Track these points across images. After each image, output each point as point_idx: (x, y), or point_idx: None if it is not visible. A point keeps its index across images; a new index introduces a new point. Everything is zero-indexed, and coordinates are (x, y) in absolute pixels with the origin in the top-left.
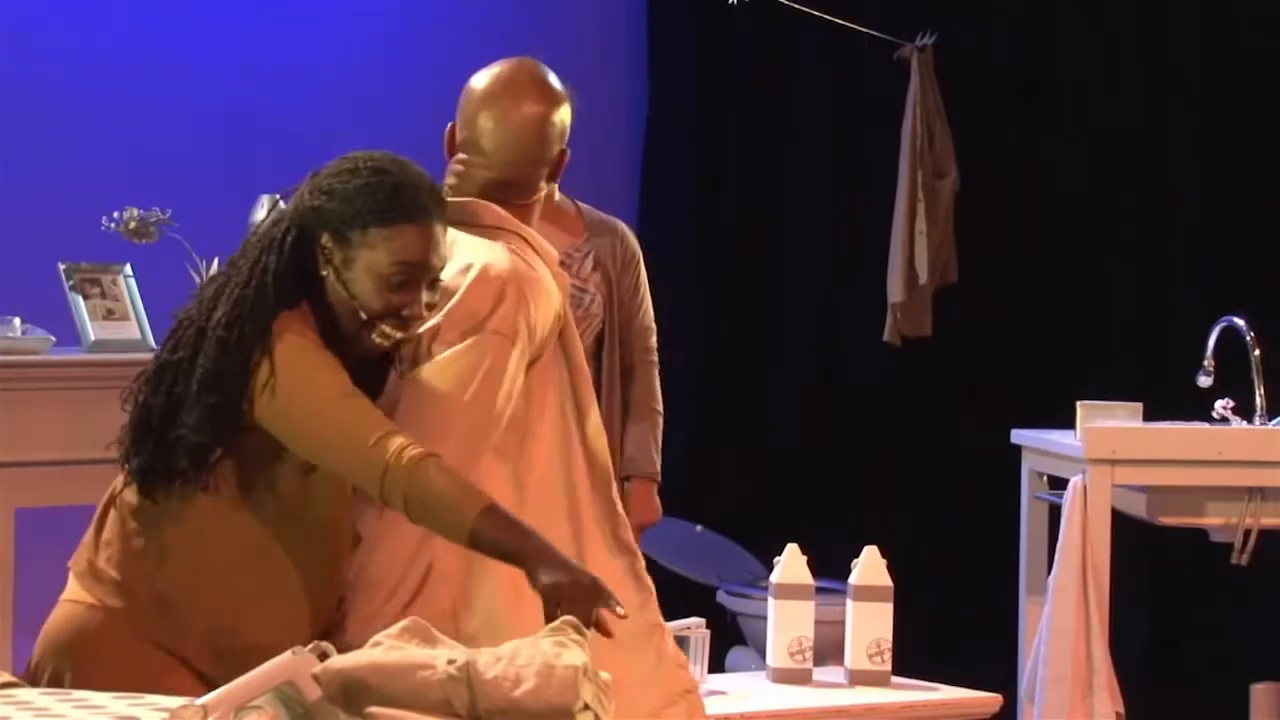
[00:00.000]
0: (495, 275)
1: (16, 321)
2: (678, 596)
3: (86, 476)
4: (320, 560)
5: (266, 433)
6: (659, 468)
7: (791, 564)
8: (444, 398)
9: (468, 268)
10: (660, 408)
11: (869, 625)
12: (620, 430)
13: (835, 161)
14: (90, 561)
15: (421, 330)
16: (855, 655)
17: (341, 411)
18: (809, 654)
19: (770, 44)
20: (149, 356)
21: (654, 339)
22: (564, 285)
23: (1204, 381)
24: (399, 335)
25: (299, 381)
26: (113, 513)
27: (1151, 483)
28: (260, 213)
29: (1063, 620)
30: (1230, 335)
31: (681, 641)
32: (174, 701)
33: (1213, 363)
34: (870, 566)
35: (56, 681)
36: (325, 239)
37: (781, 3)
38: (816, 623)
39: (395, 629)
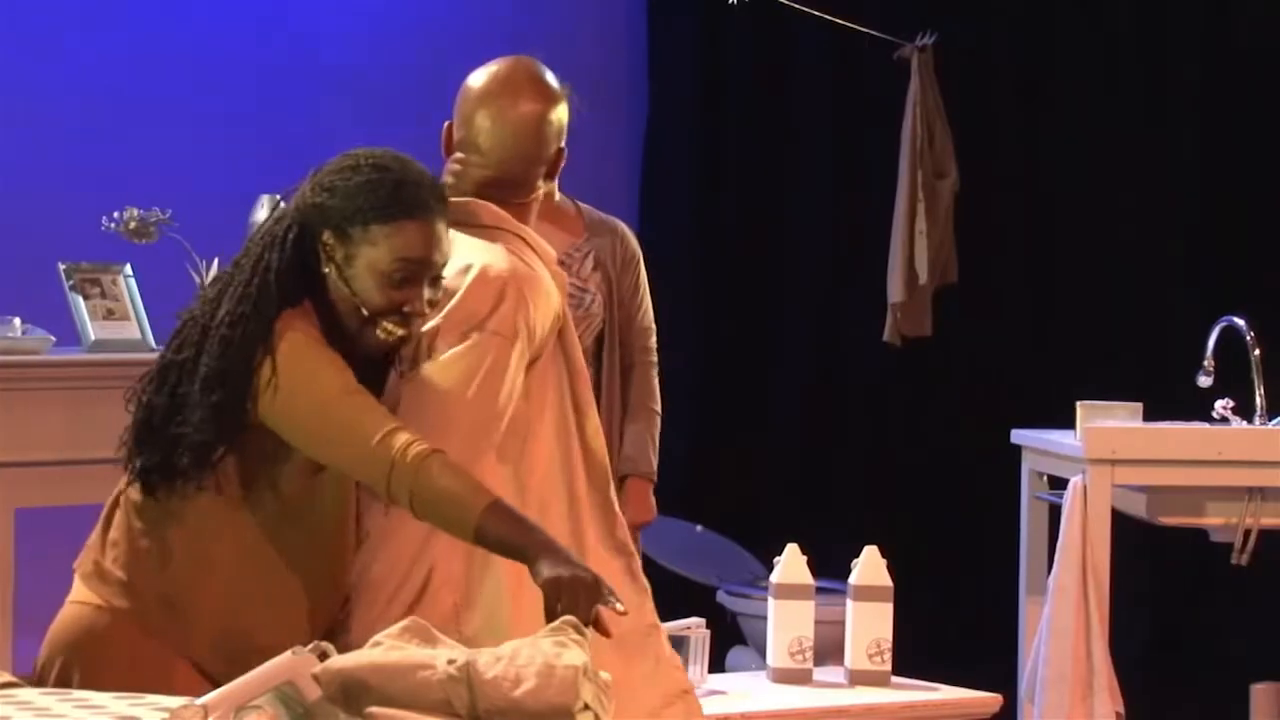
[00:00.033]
0: (495, 276)
1: (17, 321)
2: (678, 596)
3: (86, 476)
4: (324, 560)
5: (270, 431)
6: (655, 468)
7: (792, 564)
8: (445, 397)
9: (466, 268)
10: (658, 408)
11: (869, 625)
12: (619, 430)
13: (835, 161)
14: (96, 563)
15: (421, 331)
16: (855, 655)
17: (345, 409)
18: (809, 654)
19: (770, 44)
20: (149, 356)
21: (653, 339)
22: (562, 284)
23: (1204, 381)
24: (401, 332)
25: (302, 379)
26: (118, 514)
27: (1151, 483)
28: (261, 213)
29: (1063, 620)
30: (1230, 335)
31: (681, 641)
32: (175, 701)
33: (1213, 363)
34: (870, 566)
35: (64, 681)
36: (327, 236)
37: (781, 3)
38: (817, 623)
39: (395, 629)
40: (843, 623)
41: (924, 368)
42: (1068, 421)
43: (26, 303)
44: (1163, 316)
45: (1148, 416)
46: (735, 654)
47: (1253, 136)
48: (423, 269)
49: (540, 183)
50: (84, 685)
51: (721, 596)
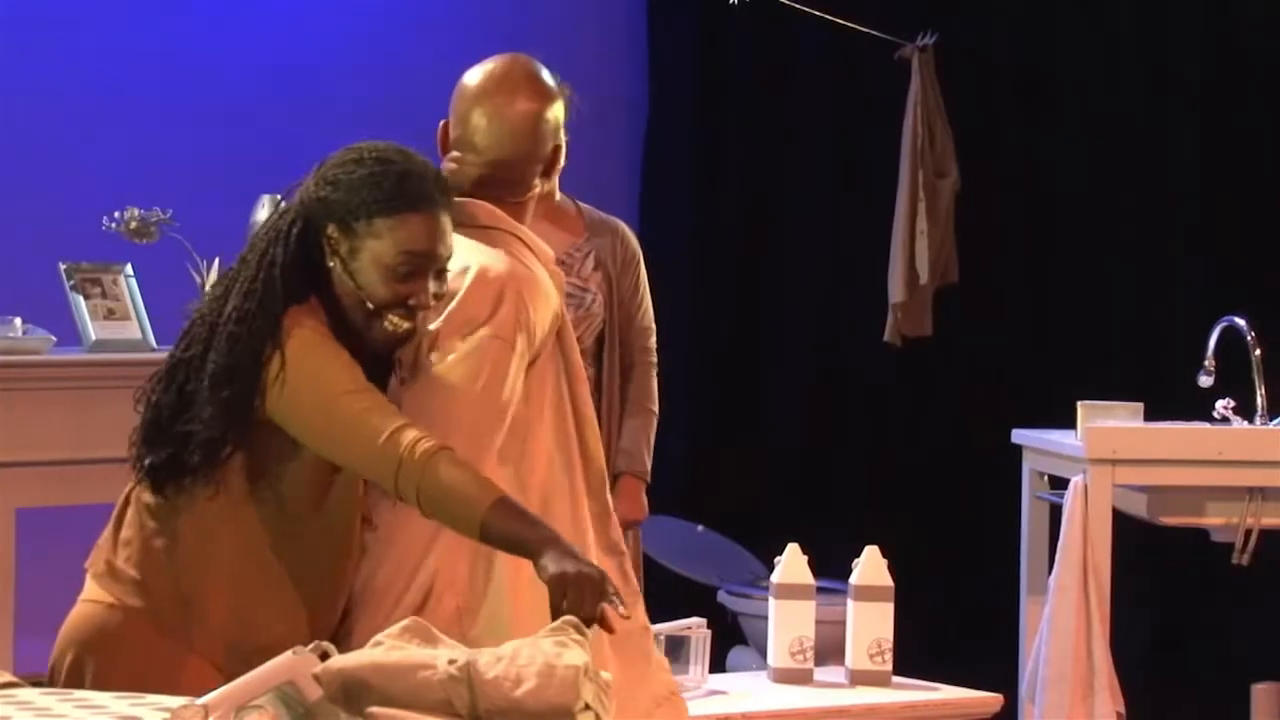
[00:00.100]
0: (493, 278)
1: (17, 321)
2: (678, 596)
3: (87, 476)
4: (333, 559)
5: (278, 429)
6: (649, 467)
7: (792, 564)
8: (447, 399)
9: (464, 270)
10: (655, 408)
11: (870, 625)
12: (618, 428)
13: (835, 161)
14: (109, 562)
15: (420, 335)
16: (856, 655)
17: (353, 405)
18: (810, 654)
19: (771, 44)
20: (150, 356)
21: (653, 339)
22: (560, 284)
23: (1205, 381)
24: (407, 325)
25: (310, 376)
26: (129, 513)
27: (1152, 483)
28: (261, 213)
29: (1063, 620)
30: (1231, 335)
31: (682, 641)
32: (176, 701)
33: (1213, 363)
34: (871, 566)
35: (77, 677)
36: (331, 230)
37: (782, 3)
38: (817, 622)
39: (396, 629)
40: (843, 623)
41: (924, 368)
42: (1068, 421)
43: (27, 303)
44: (1163, 316)
45: (1148, 416)
46: (736, 654)
47: (1253, 136)
48: (427, 262)
49: (537, 181)
50: (96, 682)
51: (722, 596)
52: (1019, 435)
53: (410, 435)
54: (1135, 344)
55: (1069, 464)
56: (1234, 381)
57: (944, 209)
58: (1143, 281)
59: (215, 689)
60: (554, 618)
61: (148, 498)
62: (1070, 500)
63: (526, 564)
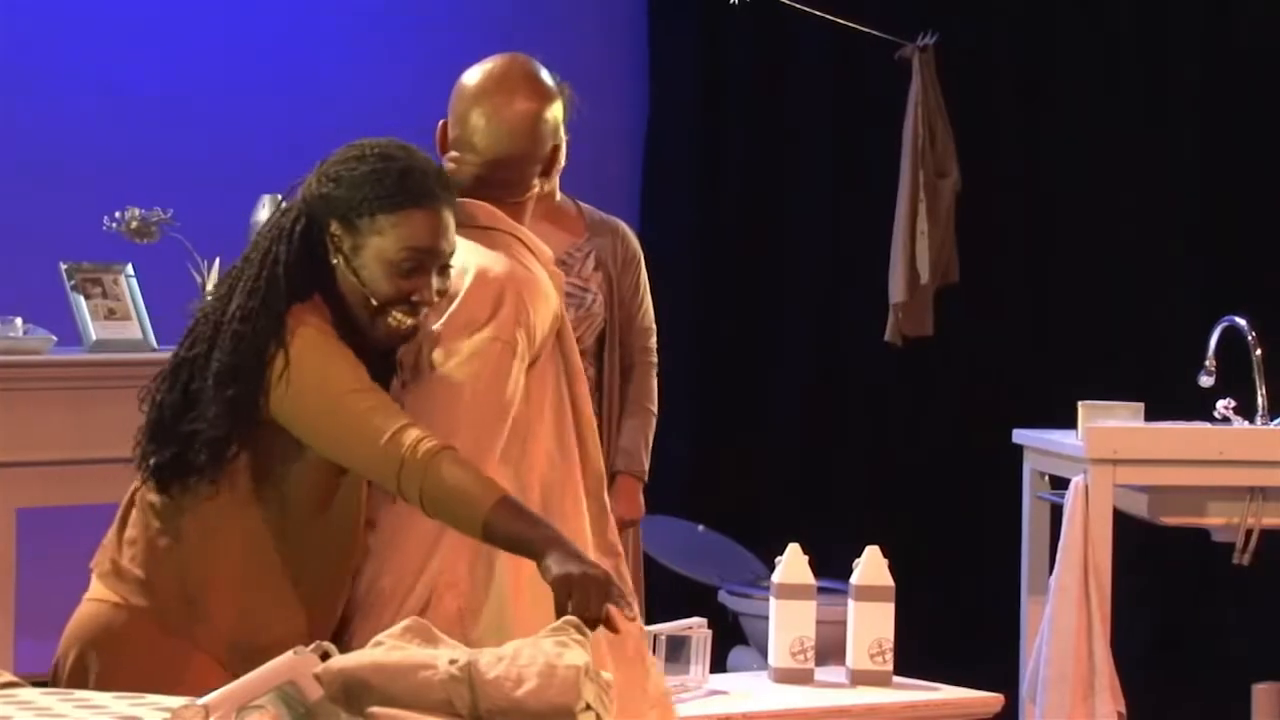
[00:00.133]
0: (493, 279)
1: (18, 321)
2: (679, 596)
3: (88, 476)
4: (337, 558)
5: (283, 429)
6: (647, 467)
7: (793, 564)
8: (449, 402)
9: (464, 272)
10: (655, 409)
11: (871, 625)
12: (617, 428)
13: (835, 161)
14: (114, 561)
15: (421, 337)
16: (857, 655)
17: (356, 406)
18: (810, 654)
19: (771, 44)
20: (150, 356)
21: (654, 339)
22: (559, 284)
23: (1206, 381)
24: (411, 322)
25: (313, 375)
26: (134, 512)
27: (1153, 482)
28: (262, 213)
29: (1064, 620)
30: (1231, 335)
31: (683, 642)
32: (177, 701)
33: (1214, 362)
34: (872, 566)
35: (81, 675)
36: (334, 226)
37: (782, 3)
38: (818, 622)
39: (397, 629)
40: (844, 623)
41: (925, 367)
42: (1069, 421)
43: (28, 303)
44: (1163, 316)
45: (1149, 416)
46: (737, 654)
47: (1253, 136)
48: (430, 258)
49: (536, 181)
50: (101, 681)
51: (723, 596)
52: (1020, 435)
53: (413, 435)
54: (1136, 344)
55: (1070, 464)
56: (1234, 381)
57: (945, 209)
58: (1143, 281)
59: (219, 688)
60: (558, 619)
61: (152, 497)
62: (1071, 500)
63: (527, 564)
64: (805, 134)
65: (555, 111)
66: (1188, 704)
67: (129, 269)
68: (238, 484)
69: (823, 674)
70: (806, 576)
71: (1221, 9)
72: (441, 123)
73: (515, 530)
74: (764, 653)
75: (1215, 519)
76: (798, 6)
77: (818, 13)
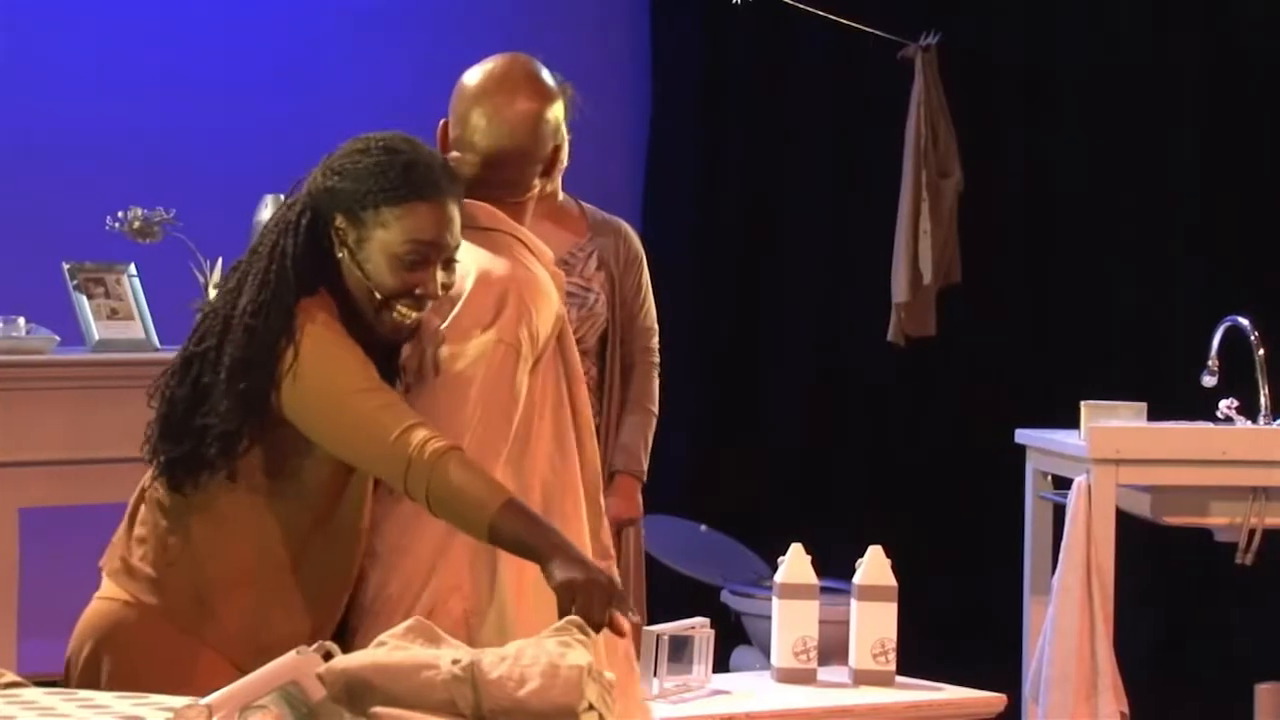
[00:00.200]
0: (496, 281)
1: (21, 321)
2: (682, 596)
3: (90, 476)
4: (346, 555)
5: (293, 425)
6: (645, 467)
7: (796, 563)
8: (453, 404)
9: (466, 274)
10: (655, 409)
11: (873, 625)
12: (617, 428)
13: (837, 161)
14: (124, 559)
15: (425, 340)
16: (860, 655)
17: (364, 404)
18: (813, 654)
19: (773, 44)
20: (153, 356)
21: (655, 339)
22: (560, 285)
23: (1208, 381)
24: (415, 315)
25: (321, 372)
26: (143, 510)
27: (1156, 482)
28: (265, 213)
29: (1067, 620)
30: (1234, 335)
31: (685, 641)
32: (179, 701)
33: (1217, 362)
34: (875, 566)
35: (94, 670)
36: (339, 220)
37: (784, 3)
38: (820, 622)
39: (400, 629)
40: (846, 622)
41: (926, 367)
42: (1071, 421)
43: (31, 302)
44: (1164, 316)
45: (1151, 416)
46: (739, 654)
47: (1253, 136)
48: (434, 250)
49: (537, 181)
50: (114, 678)
51: (725, 596)
52: (1022, 435)
53: (420, 434)
54: (1137, 344)
55: (1072, 464)
56: (1237, 381)
57: (947, 209)
58: (1144, 281)
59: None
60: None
61: (162, 495)
62: (1074, 500)
63: (530, 567)
64: (807, 134)
65: (556, 111)
66: (1190, 704)
67: (131, 269)
68: (249, 480)
69: (825, 674)
70: (809, 576)
71: (1221, 9)
72: (442, 122)
73: (521, 533)
74: (766, 652)
75: (1218, 519)
76: (800, 6)
77: (820, 12)
